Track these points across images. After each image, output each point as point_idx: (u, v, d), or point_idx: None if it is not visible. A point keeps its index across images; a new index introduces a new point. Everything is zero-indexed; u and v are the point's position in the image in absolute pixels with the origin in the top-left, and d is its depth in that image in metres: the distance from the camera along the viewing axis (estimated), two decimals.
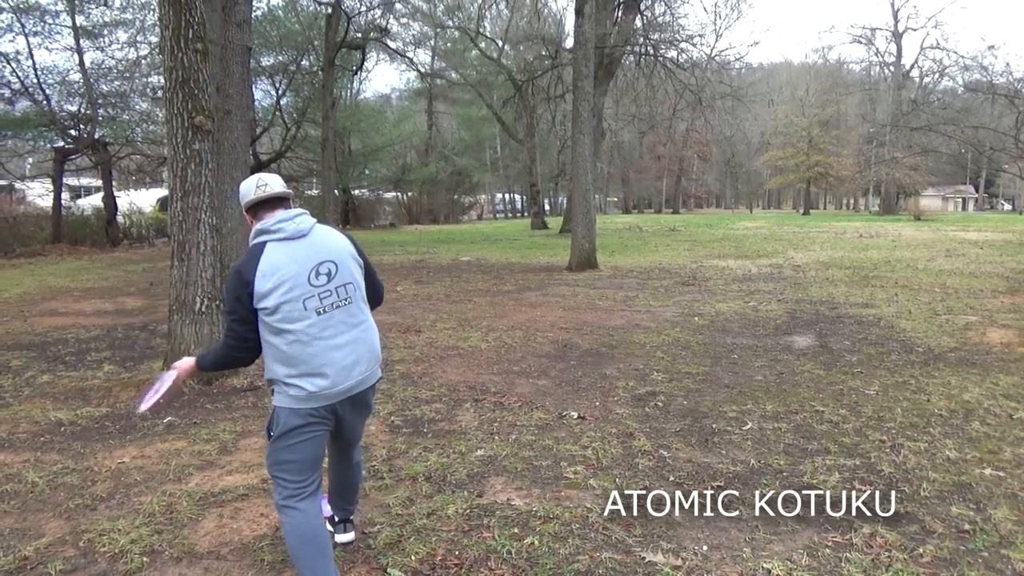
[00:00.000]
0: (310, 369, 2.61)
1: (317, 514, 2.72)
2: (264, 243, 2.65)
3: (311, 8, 27.20)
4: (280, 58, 27.98)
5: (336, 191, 29.08)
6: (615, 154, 65.98)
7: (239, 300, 2.60)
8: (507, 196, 64.61)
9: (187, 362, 2.86)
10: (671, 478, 4.01)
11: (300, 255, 2.64)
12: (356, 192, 41.58)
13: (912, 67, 58.11)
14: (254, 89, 23.26)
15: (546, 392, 5.80)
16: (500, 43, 37.08)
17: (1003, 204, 78.13)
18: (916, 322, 8.67)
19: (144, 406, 2.83)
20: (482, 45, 36.96)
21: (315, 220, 2.78)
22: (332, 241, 2.76)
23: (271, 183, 2.76)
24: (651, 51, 27.39)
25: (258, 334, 2.66)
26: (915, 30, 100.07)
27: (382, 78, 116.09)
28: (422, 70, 42.89)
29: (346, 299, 2.72)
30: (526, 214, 52.47)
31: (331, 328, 2.66)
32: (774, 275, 13.88)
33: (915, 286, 11.93)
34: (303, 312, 2.60)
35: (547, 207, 51.82)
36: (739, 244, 22.52)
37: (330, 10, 22.69)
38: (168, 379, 2.86)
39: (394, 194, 46.68)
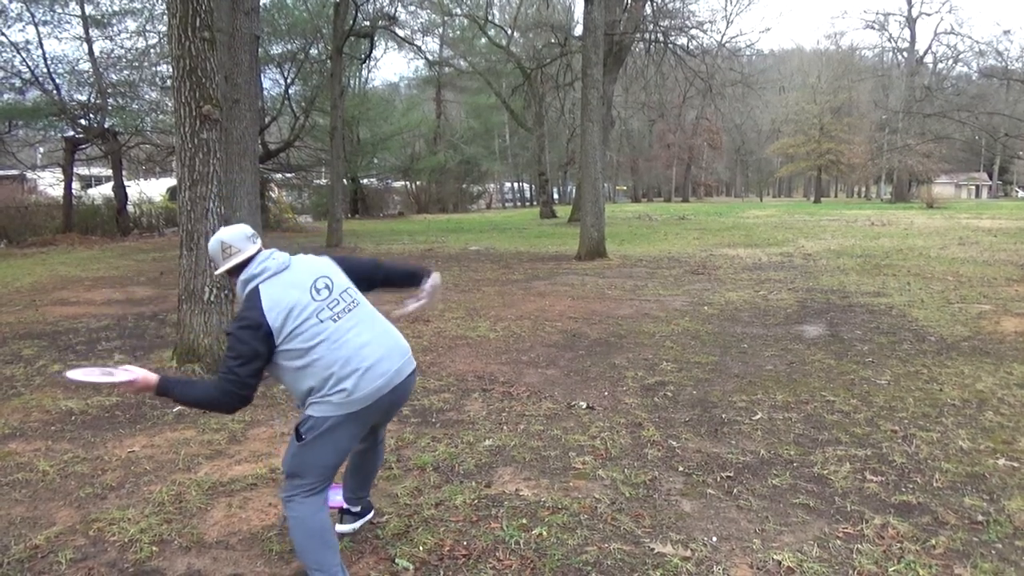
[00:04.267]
0: (347, 371, 2.59)
1: (322, 507, 2.72)
2: (256, 287, 2.67)
3: None
4: (289, 46, 27.89)
5: (345, 180, 29.11)
6: (624, 142, 65.68)
7: (262, 344, 2.56)
8: (516, 185, 64.49)
9: (147, 379, 2.60)
10: (680, 468, 3.98)
11: (293, 281, 2.70)
12: (365, 181, 41.56)
13: (926, 53, 57.68)
14: (263, 78, 23.26)
15: (555, 382, 5.79)
16: (509, 31, 36.90)
17: (1018, 191, 77.29)
18: (928, 311, 8.60)
19: (74, 375, 2.65)
20: (491, 33, 36.84)
21: (288, 254, 2.83)
22: (315, 262, 2.84)
23: (236, 243, 2.76)
24: (661, 38, 27.23)
25: (259, 380, 2.61)
26: (929, 15, 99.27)
27: (391, 66, 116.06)
28: (430, 58, 42.73)
29: (353, 302, 2.77)
30: (535, 203, 52.43)
31: (352, 330, 2.68)
32: (784, 264, 13.80)
33: (927, 275, 11.84)
34: (320, 324, 2.62)
35: (556, 196, 51.66)
36: (749, 233, 22.41)
37: None
38: (116, 378, 2.64)
39: (403, 183, 46.66)
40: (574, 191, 40.27)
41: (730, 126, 64.14)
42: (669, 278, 11.89)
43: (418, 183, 46.71)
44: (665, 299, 9.73)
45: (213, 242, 2.79)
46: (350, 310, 2.72)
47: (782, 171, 75.21)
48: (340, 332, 2.64)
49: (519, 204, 61.61)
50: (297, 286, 2.67)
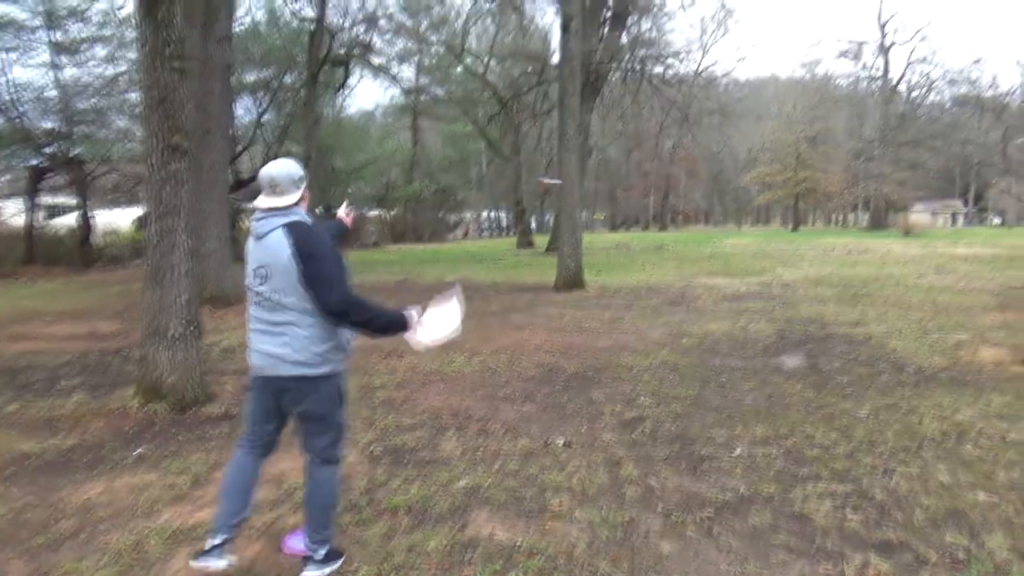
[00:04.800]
0: (248, 342, 3.17)
1: (235, 456, 3.24)
2: (250, 235, 3.16)
3: (294, 24, 27.10)
4: (262, 74, 27.79)
5: (318, 210, 28.91)
6: (602, 171, 66.19)
7: None
8: (493, 214, 64.50)
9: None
10: (659, 508, 3.88)
11: (252, 255, 3.10)
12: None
13: (899, 81, 58.60)
14: (235, 106, 23.13)
15: (531, 418, 5.67)
16: (485, 59, 37.13)
17: (993, 218, 78.51)
18: (907, 341, 8.60)
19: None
20: (467, 61, 36.97)
21: (282, 222, 3.02)
22: (273, 249, 3.01)
23: (283, 184, 3.07)
24: (637, 67, 27.47)
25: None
26: (902, 44, 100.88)
27: (366, 94, 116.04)
28: (406, 87, 42.85)
29: (269, 300, 3.04)
30: (512, 232, 52.45)
31: (258, 319, 3.11)
32: (763, 293, 13.81)
33: (905, 304, 11.88)
34: (249, 298, 3.15)
35: (533, 225, 51.72)
36: (727, 262, 22.47)
37: (313, 26, 22.64)
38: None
39: (378, 212, 46.42)
40: (551, 220, 40.31)
41: (707, 155, 64.86)
42: (647, 309, 11.83)
43: (393, 212, 46.51)
44: (643, 331, 9.67)
45: (263, 174, 3.09)
46: (264, 305, 3.07)
47: (760, 199, 75.89)
48: (252, 313, 3.15)
49: (496, 233, 61.63)
50: (252, 261, 3.09)
